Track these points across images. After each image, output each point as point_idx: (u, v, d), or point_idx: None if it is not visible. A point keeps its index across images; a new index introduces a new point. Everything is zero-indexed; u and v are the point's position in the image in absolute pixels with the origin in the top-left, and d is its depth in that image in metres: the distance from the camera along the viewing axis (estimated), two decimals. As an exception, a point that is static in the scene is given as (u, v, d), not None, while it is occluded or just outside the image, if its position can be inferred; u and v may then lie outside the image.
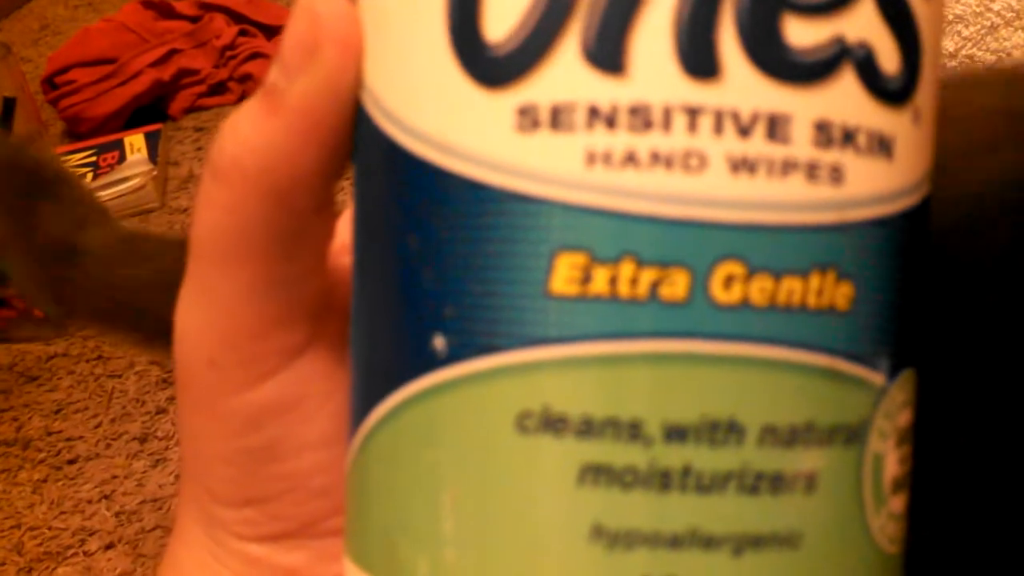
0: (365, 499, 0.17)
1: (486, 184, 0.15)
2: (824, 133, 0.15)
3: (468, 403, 0.16)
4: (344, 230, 0.20)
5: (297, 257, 0.19)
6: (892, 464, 0.17)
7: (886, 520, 0.17)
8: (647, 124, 0.15)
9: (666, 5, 0.15)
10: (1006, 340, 0.28)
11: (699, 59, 0.15)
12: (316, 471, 0.21)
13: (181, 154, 1.09)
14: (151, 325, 0.43)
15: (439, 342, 0.16)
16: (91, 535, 0.73)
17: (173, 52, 1.12)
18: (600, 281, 0.15)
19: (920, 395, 0.18)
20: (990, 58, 1.00)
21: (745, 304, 0.15)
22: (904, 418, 0.17)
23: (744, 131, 0.15)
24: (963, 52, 0.99)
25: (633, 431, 0.15)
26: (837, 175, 0.15)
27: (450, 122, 0.16)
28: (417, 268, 0.16)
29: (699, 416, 0.15)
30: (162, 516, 0.72)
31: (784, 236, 0.15)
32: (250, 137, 0.18)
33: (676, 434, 0.15)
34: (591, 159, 0.15)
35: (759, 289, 0.15)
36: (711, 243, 0.15)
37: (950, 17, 1.03)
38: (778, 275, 0.15)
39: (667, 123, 0.15)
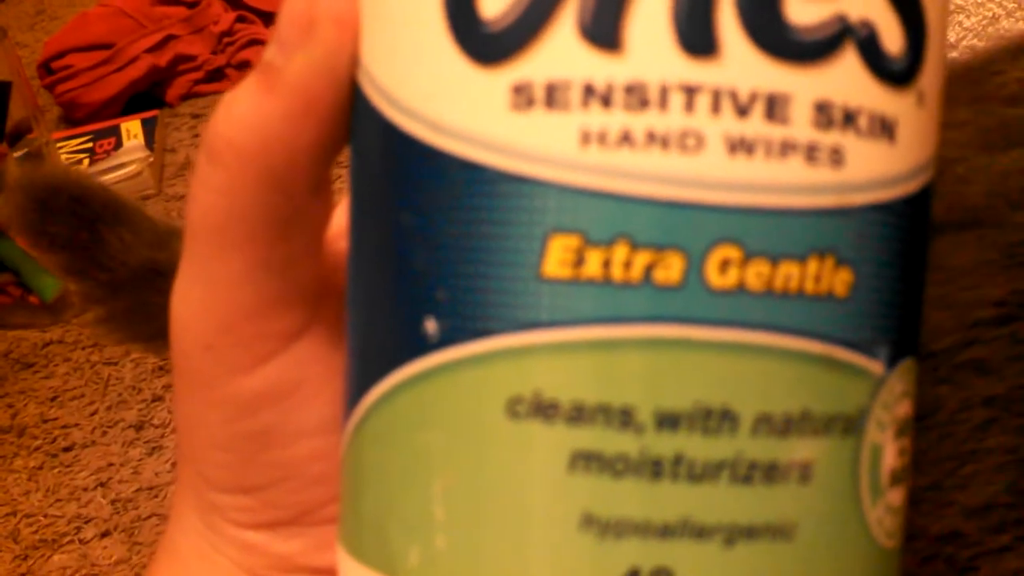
0: (358, 484, 0.17)
1: (479, 164, 0.15)
2: (824, 114, 0.15)
3: (460, 388, 0.15)
4: (342, 216, 0.20)
5: (293, 239, 0.19)
6: (891, 456, 0.17)
7: (884, 513, 0.16)
8: (643, 103, 0.15)
9: None
10: None
11: (697, 37, 0.14)
12: (313, 458, 0.21)
13: (178, 141, 1.09)
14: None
15: (431, 325, 0.16)
16: (87, 523, 0.73)
17: (170, 38, 1.11)
18: (593, 264, 0.15)
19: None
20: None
21: (741, 289, 0.15)
22: (903, 409, 0.17)
23: (742, 111, 0.15)
24: (964, 42, 0.99)
25: (625, 418, 0.15)
26: (837, 157, 0.15)
27: (444, 100, 0.15)
28: (410, 250, 0.16)
29: (692, 403, 0.15)
30: (158, 504, 0.72)
31: (782, 220, 0.15)
32: (246, 116, 0.18)
33: (668, 422, 0.15)
34: (586, 138, 0.15)
35: (755, 274, 0.15)
36: (707, 226, 0.15)
37: (951, 7, 1.02)
38: (775, 260, 0.15)
39: (663, 102, 0.15)
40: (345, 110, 0.17)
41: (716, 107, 0.15)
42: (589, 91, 0.15)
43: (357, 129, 0.17)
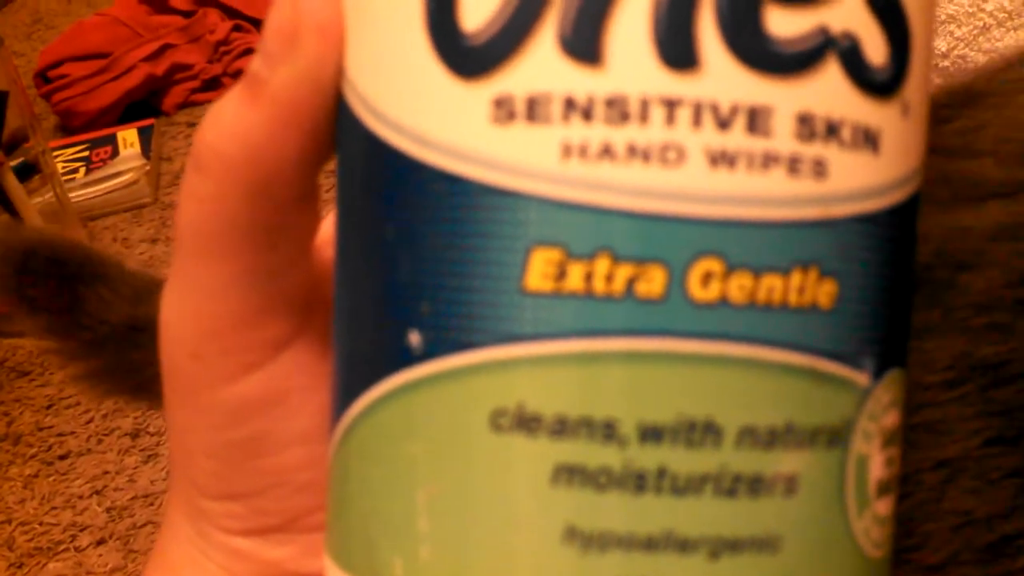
0: (344, 495, 0.17)
1: (461, 176, 0.15)
2: (807, 126, 0.15)
3: (443, 401, 0.15)
4: (330, 224, 0.20)
5: (280, 248, 0.19)
6: (877, 466, 0.16)
7: (870, 523, 0.16)
8: (624, 116, 0.15)
9: None
10: None
11: (677, 50, 0.15)
12: (301, 466, 0.21)
13: (174, 149, 1.09)
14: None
15: (415, 338, 0.16)
16: (82, 530, 0.72)
17: (167, 47, 1.11)
18: (575, 277, 0.15)
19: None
20: (982, 58, 1.00)
21: (723, 302, 0.15)
22: (891, 419, 0.17)
23: (723, 124, 0.15)
24: (955, 52, 0.99)
25: (608, 431, 0.15)
26: (820, 169, 0.15)
27: (426, 113, 0.15)
28: (394, 262, 0.16)
29: (675, 416, 0.15)
30: (153, 512, 0.72)
31: (764, 232, 0.15)
32: (232, 127, 0.18)
33: (652, 435, 0.15)
34: (567, 152, 0.15)
35: (738, 287, 0.15)
36: (688, 239, 0.15)
37: (943, 17, 1.03)
38: (758, 272, 0.15)
39: (644, 115, 0.15)
40: (331, 120, 0.18)
41: (697, 120, 0.15)
42: (570, 104, 0.15)
43: (342, 140, 0.17)
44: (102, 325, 0.39)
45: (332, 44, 0.17)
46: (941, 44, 0.99)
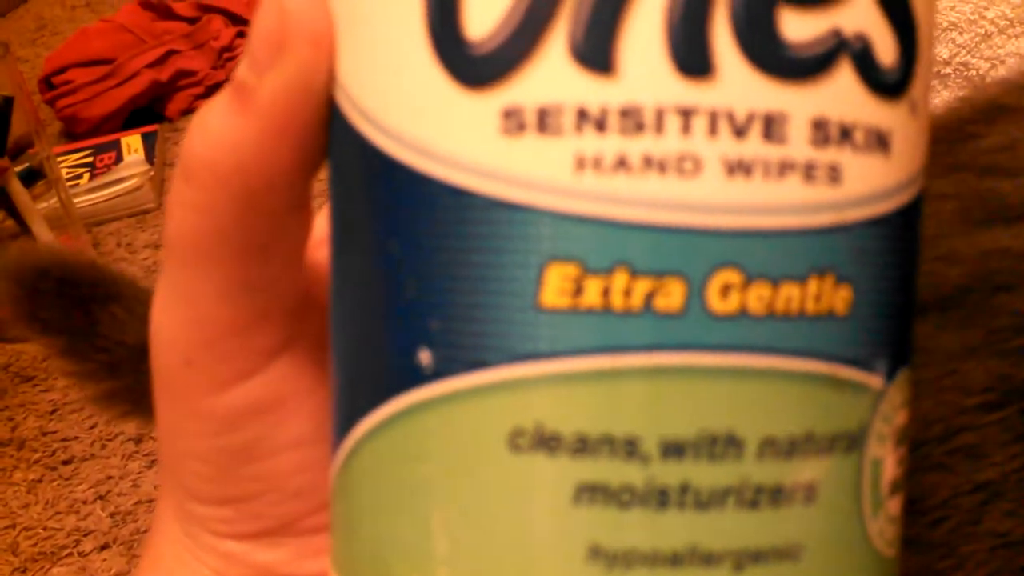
0: (352, 516, 0.17)
1: (470, 191, 0.15)
2: (821, 131, 0.15)
3: (458, 421, 0.15)
4: (323, 223, 0.19)
5: (273, 257, 0.19)
6: (890, 467, 0.16)
7: (884, 524, 0.16)
8: (639, 127, 0.14)
9: (657, 0, 0.14)
10: None
11: (692, 57, 0.14)
12: (295, 471, 0.20)
13: (178, 155, 1.08)
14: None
15: (425, 356, 0.15)
16: (86, 535, 0.72)
17: (171, 53, 1.11)
18: (593, 293, 0.14)
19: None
20: (984, 65, 1.00)
21: (743, 313, 0.15)
22: (901, 418, 0.17)
23: (740, 132, 0.14)
24: (957, 59, 0.99)
25: (630, 448, 0.14)
26: (835, 174, 0.15)
27: (430, 124, 0.15)
28: (399, 278, 0.16)
29: (697, 431, 0.15)
30: (158, 518, 0.72)
31: (782, 241, 0.15)
32: (220, 136, 0.17)
33: (674, 450, 0.14)
34: (581, 164, 0.14)
35: (757, 297, 0.15)
36: (707, 251, 0.14)
37: (944, 24, 1.02)
38: (776, 282, 0.15)
39: (660, 125, 0.14)
40: (323, 129, 0.17)
41: (713, 129, 0.14)
42: (583, 115, 0.14)
43: (336, 148, 0.17)
44: (119, 346, 0.38)
45: (322, 50, 0.16)
46: (943, 51, 0.99)
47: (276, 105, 0.17)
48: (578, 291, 0.14)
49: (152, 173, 1.02)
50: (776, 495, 0.15)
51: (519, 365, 0.15)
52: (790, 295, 0.15)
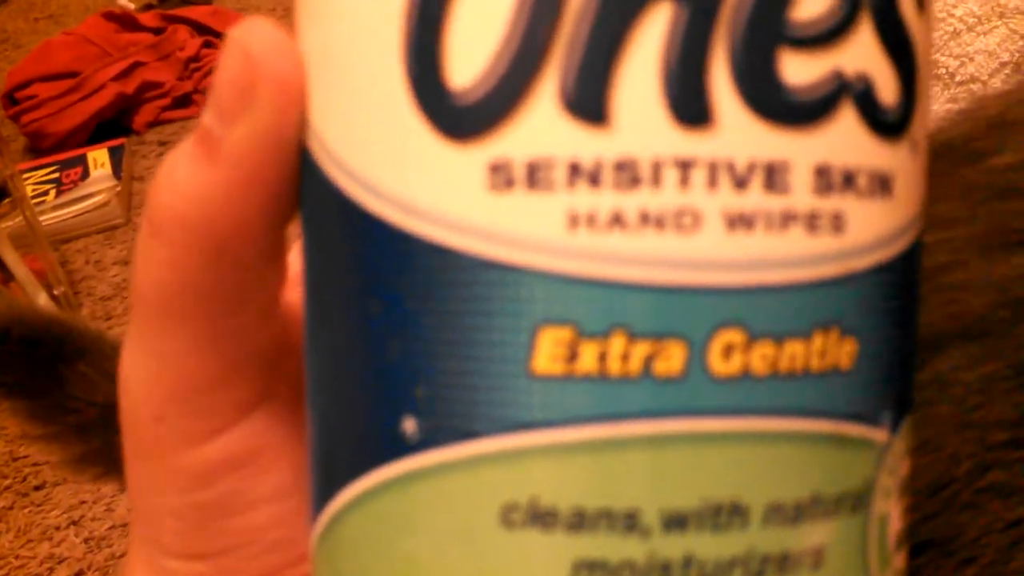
0: None
1: (455, 249, 0.14)
2: (824, 179, 0.14)
3: (446, 494, 0.14)
4: (297, 261, 0.19)
5: (245, 309, 0.18)
6: (895, 520, 0.16)
7: None
8: (635, 181, 0.13)
9: (652, 44, 0.13)
10: None
11: (690, 105, 0.13)
12: (270, 525, 0.20)
13: (146, 169, 1.08)
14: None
15: (410, 425, 0.14)
16: (60, 563, 0.71)
17: (136, 65, 1.10)
18: (588, 358, 0.14)
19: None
20: (953, 63, 1.00)
21: (746, 375, 0.14)
22: (905, 469, 0.16)
23: (740, 183, 0.14)
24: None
25: (629, 522, 0.14)
26: (838, 223, 0.14)
27: (411, 177, 0.14)
28: (380, 341, 0.15)
29: (700, 500, 0.14)
30: (133, 543, 0.71)
31: (785, 296, 0.14)
32: (187, 187, 0.16)
33: (676, 522, 0.14)
34: (574, 221, 0.13)
35: (760, 356, 0.14)
36: (708, 310, 0.14)
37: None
38: (780, 339, 0.14)
39: (656, 179, 0.13)
40: (295, 178, 0.16)
41: (713, 181, 0.14)
42: (575, 169, 0.13)
43: (309, 199, 0.16)
44: (89, 407, 0.37)
45: (292, 96, 0.15)
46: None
47: (244, 155, 0.16)
48: (573, 356, 0.14)
49: (120, 188, 1.01)
50: (783, 563, 0.14)
51: (511, 435, 0.14)
52: (794, 352, 0.14)
